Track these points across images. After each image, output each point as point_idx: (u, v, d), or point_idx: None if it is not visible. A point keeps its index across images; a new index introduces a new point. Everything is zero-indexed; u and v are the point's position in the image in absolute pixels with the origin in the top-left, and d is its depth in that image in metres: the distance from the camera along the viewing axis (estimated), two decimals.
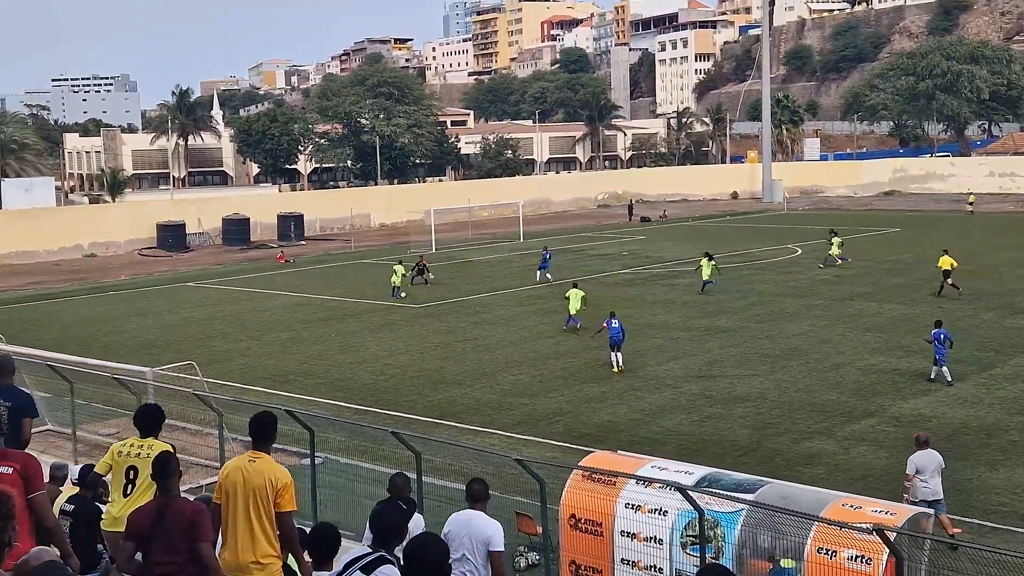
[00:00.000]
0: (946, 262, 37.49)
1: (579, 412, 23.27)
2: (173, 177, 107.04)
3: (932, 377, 24.65)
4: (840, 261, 45.67)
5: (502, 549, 9.14)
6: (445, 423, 22.50)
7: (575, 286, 34.82)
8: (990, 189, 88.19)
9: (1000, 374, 25.38)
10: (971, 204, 73.54)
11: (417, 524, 9.39)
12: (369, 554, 6.59)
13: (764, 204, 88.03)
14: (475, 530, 9.07)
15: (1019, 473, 18.18)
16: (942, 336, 24.59)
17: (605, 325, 27.92)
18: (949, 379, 24.31)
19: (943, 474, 15.41)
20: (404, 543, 9.03)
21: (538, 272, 44.71)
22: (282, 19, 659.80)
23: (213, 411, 16.75)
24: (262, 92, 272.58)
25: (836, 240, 46.42)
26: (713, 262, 40.12)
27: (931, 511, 13.24)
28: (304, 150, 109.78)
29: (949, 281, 36.89)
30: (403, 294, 41.56)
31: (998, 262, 45.99)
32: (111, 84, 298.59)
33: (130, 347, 32.19)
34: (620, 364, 27.11)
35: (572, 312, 33.40)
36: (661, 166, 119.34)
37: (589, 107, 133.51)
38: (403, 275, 42.32)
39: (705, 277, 39.71)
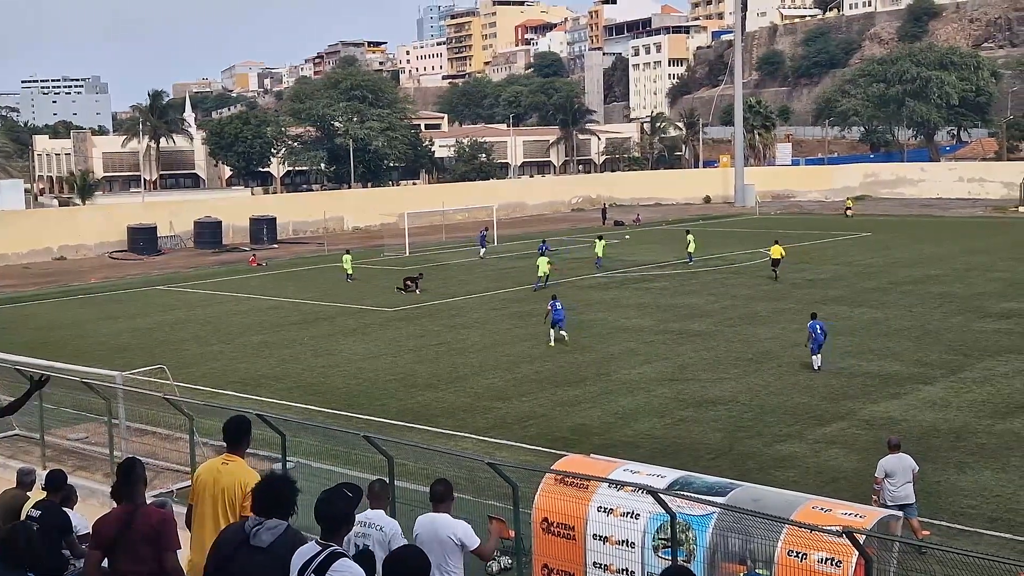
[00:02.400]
0: (776, 251, 43.68)
1: (552, 416, 23.29)
2: (144, 180, 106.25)
3: (817, 367, 26.19)
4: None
5: (478, 542, 9.18)
6: (418, 427, 22.46)
7: (542, 254, 44.37)
8: (959, 194, 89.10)
9: (969, 377, 25.61)
10: (849, 208, 78.36)
11: (394, 531, 9.35)
12: (320, 552, 6.32)
13: (736, 208, 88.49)
14: (442, 532, 9.07)
15: (987, 476, 18.36)
16: (818, 328, 26.40)
17: (550, 308, 31.28)
18: (817, 366, 26.20)
19: (917, 478, 15.53)
20: (385, 550, 9.09)
21: (481, 250, 56.02)
22: (255, 21, 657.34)
23: (184, 415, 16.64)
24: (235, 94, 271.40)
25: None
26: (603, 242, 50.73)
27: (900, 514, 13.33)
28: (277, 153, 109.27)
29: (775, 268, 43.15)
30: (352, 279, 47.19)
31: (967, 266, 46.44)
32: (81, 86, 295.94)
33: (101, 351, 31.94)
34: (555, 339, 30.69)
35: (540, 275, 42.09)
36: (634, 170, 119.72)
37: (563, 111, 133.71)
38: (351, 261, 48.51)
39: (599, 252, 49.00)
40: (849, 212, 77.47)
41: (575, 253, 56.22)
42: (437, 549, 8.97)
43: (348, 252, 51.13)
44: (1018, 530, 15.85)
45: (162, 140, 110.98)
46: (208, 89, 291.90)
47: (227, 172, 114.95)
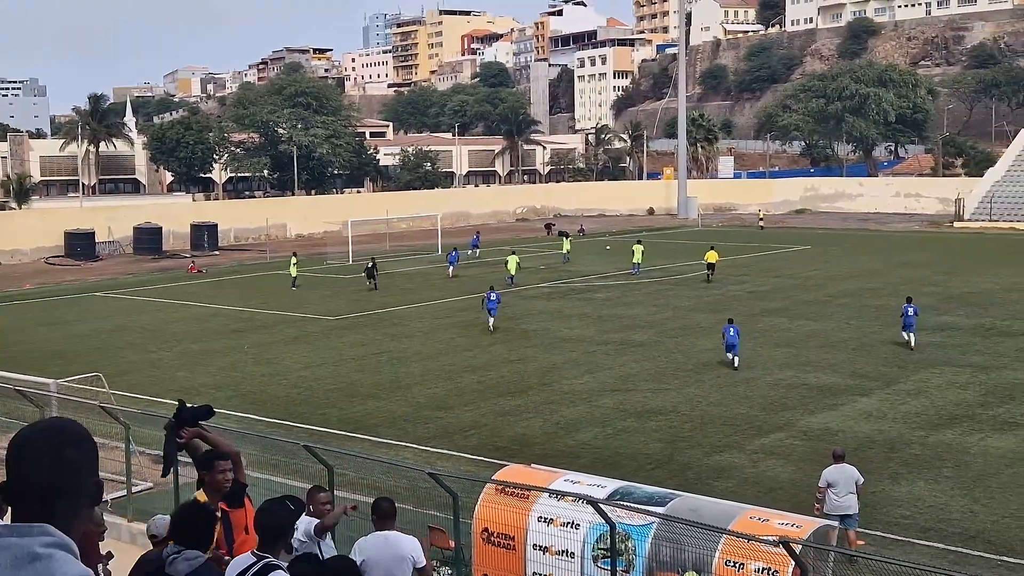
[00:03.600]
0: (712, 256, 46.95)
1: (494, 425, 23.29)
2: (83, 184, 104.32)
3: (735, 366, 28.09)
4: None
5: (425, 563, 9.16)
6: (359, 436, 22.33)
7: (512, 253, 47.89)
8: (896, 209, 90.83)
9: (903, 389, 26.08)
10: (761, 220, 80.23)
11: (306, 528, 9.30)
12: (254, 563, 6.10)
13: (679, 220, 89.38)
14: (396, 551, 8.91)
15: (920, 487, 18.69)
16: (731, 330, 28.57)
17: (485, 297, 34.68)
18: (735, 365, 28.18)
19: (862, 489, 15.76)
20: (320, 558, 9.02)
21: (471, 249, 59.21)
22: (199, 26, 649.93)
23: (120, 424, 16.36)
24: (177, 99, 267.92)
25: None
26: (569, 239, 56.88)
27: (836, 524, 13.54)
28: (219, 159, 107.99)
29: (708, 272, 46.63)
30: (297, 285, 47.22)
31: (902, 280, 47.25)
32: (19, 88, 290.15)
33: (36, 358, 31.27)
34: (493, 327, 34.07)
35: (511, 272, 45.64)
36: (579, 181, 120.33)
37: (508, 121, 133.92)
38: (297, 265, 48.50)
39: (565, 250, 55.30)
40: (761, 224, 78.50)
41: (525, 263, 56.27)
42: (394, 568, 8.82)
43: (295, 255, 50.43)
44: (950, 540, 16.16)
45: (102, 144, 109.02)
46: (150, 94, 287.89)
47: (168, 178, 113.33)
